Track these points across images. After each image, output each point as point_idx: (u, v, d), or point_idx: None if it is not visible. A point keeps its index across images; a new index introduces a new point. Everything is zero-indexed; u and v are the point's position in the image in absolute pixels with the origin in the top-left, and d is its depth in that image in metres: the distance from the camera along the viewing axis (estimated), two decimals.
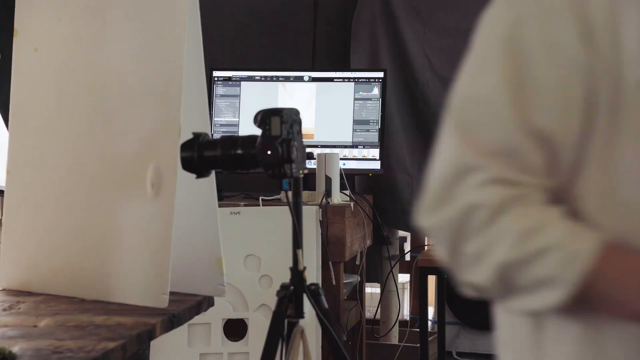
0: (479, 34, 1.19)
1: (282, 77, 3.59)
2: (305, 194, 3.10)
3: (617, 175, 1.03)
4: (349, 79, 3.56)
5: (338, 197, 3.20)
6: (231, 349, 3.03)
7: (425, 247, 3.86)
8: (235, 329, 3.06)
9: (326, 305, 1.90)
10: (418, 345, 3.39)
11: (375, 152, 3.50)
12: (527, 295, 1.02)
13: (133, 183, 1.70)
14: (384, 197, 3.83)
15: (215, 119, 3.58)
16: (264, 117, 1.76)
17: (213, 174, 1.77)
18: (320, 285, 1.98)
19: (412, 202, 3.83)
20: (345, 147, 3.51)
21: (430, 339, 3.41)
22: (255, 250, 3.04)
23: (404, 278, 4.63)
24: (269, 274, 3.02)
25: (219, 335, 3.03)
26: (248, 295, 3.03)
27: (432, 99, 3.82)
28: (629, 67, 1.01)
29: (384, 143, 3.54)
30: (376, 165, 3.49)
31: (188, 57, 1.66)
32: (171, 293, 1.63)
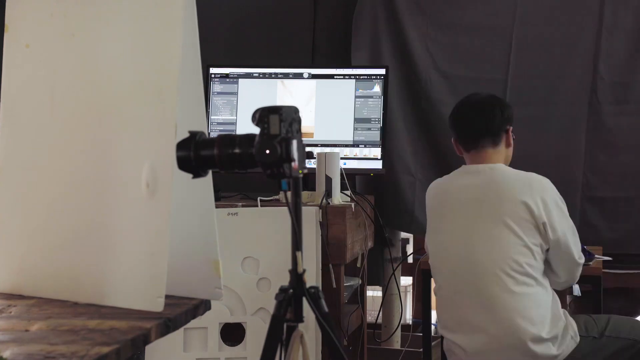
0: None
1: (281, 74, 3.57)
2: (305, 195, 3.07)
3: None
4: (349, 76, 3.53)
5: (338, 198, 3.17)
6: (228, 354, 3.01)
7: None
8: (232, 334, 3.04)
9: (326, 309, 1.87)
10: (421, 350, 3.37)
11: (376, 152, 3.47)
12: None
13: (128, 183, 1.68)
14: (386, 198, 3.81)
15: (212, 117, 3.55)
16: (263, 116, 1.73)
17: (210, 173, 1.75)
18: (320, 288, 1.95)
19: (415, 202, 3.80)
20: (346, 146, 3.48)
21: (433, 343, 3.39)
22: (253, 253, 3.02)
23: (406, 281, 4.61)
24: (268, 276, 3.00)
25: (215, 339, 3.00)
26: (246, 299, 3.00)
27: (434, 96, 3.80)
28: None
29: (386, 142, 3.52)
30: (378, 164, 3.47)
31: (184, 53, 1.64)
32: (167, 296, 1.61)
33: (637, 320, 2.92)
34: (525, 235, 2.57)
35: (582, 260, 2.70)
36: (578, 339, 2.65)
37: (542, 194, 2.60)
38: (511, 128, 2.77)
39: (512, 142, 2.77)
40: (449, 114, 2.84)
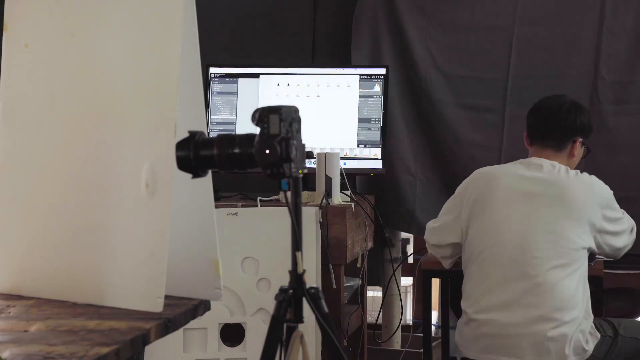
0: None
1: (281, 74, 3.55)
2: (305, 195, 3.06)
3: None
4: (350, 76, 3.52)
5: (339, 198, 3.17)
6: (228, 354, 3.00)
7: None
8: (232, 334, 3.02)
9: (326, 310, 1.86)
10: (421, 350, 3.36)
11: (377, 151, 3.46)
12: None
13: (127, 183, 1.67)
14: (386, 198, 3.80)
15: (211, 117, 3.54)
16: (262, 115, 1.72)
17: (209, 173, 1.74)
18: (320, 288, 1.95)
19: (415, 202, 3.80)
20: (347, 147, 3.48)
21: (433, 344, 3.38)
22: (252, 253, 3.01)
23: (406, 281, 4.60)
24: (267, 277, 2.99)
25: (215, 340, 2.99)
26: (245, 299, 2.99)
27: (435, 96, 3.79)
28: None
29: (386, 142, 3.51)
30: (378, 164, 3.46)
31: (184, 52, 1.63)
32: (166, 297, 1.60)
33: None
34: (583, 235, 2.68)
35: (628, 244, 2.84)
36: (599, 336, 2.70)
37: (602, 202, 2.72)
38: (581, 140, 2.84)
39: (576, 154, 2.84)
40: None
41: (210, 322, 2.96)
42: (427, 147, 3.82)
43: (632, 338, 2.77)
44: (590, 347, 2.65)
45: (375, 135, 3.47)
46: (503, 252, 2.70)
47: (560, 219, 2.67)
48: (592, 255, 2.81)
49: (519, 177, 2.76)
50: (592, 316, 2.71)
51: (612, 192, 2.81)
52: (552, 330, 2.60)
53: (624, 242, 2.84)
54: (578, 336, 2.62)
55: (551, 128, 2.81)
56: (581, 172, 2.86)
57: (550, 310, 2.61)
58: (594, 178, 2.78)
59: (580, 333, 2.63)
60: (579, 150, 2.85)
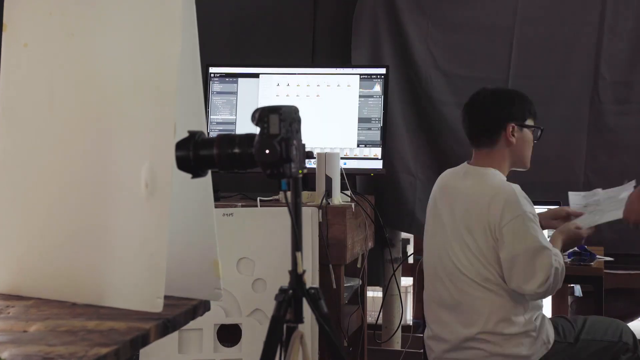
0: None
1: (280, 73, 3.55)
2: (304, 195, 3.06)
3: None
4: (350, 76, 3.52)
5: (339, 198, 3.16)
6: (224, 355, 2.99)
7: None
8: (228, 335, 3.02)
9: (326, 310, 1.86)
10: (421, 351, 3.35)
11: (377, 151, 3.46)
12: None
13: (127, 183, 1.67)
14: (386, 198, 3.80)
15: (211, 117, 3.54)
16: (262, 115, 1.72)
17: (209, 173, 1.74)
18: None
19: (415, 202, 3.80)
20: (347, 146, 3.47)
21: None
22: (248, 253, 3.00)
23: (406, 281, 4.60)
24: (263, 277, 2.98)
25: (211, 341, 2.98)
26: (241, 300, 2.98)
27: (435, 95, 3.79)
28: None
29: (386, 142, 3.50)
30: (378, 164, 3.46)
31: (183, 52, 1.63)
32: (166, 297, 1.60)
33: (614, 321, 2.82)
34: (484, 246, 2.57)
35: (529, 287, 2.54)
36: (550, 345, 2.63)
37: (504, 209, 2.53)
38: (513, 125, 2.66)
39: (513, 140, 2.67)
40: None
41: (205, 323, 2.95)
42: (427, 147, 3.82)
43: (591, 340, 2.70)
44: (531, 352, 2.58)
45: (375, 135, 3.46)
46: (427, 267, 2.77)
47: (466, 230, 2.66)
48: None
49: (452, 189, 2.72)
50: (531, 322, 2.60)
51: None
52: (478, 341, 2.63)
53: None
54: (511, 340, 2.58)
55: (474, 129, 2.69)
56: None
57: (472, 322, 2.63)
58: (506, 187, 2.62)
59: (512, 338, 2.58)
60: (519, 135, 2.67)
